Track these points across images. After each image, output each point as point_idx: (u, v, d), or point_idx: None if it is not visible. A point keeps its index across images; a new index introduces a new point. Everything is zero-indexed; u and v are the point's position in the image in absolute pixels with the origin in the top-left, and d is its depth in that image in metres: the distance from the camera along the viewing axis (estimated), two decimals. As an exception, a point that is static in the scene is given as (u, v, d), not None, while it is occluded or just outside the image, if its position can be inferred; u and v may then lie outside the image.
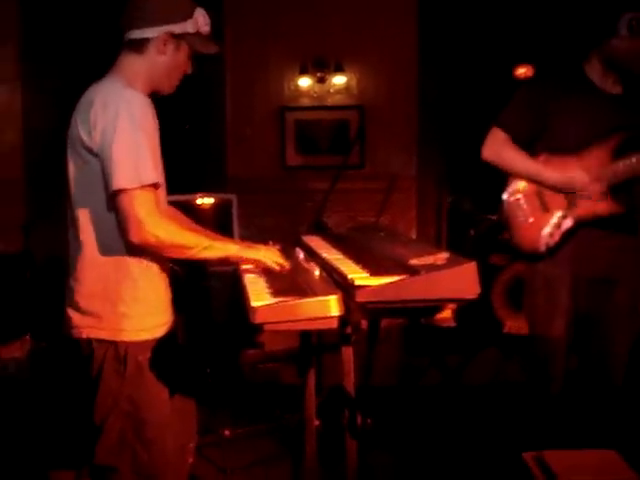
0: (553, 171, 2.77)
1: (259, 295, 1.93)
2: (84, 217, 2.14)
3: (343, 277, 1.94)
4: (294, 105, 5.15)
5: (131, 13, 2.14)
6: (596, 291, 2.82)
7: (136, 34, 2.12)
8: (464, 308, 1.89)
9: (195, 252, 2.12)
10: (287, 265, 2.24)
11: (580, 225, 2.74)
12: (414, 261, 1.94)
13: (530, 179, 2.82)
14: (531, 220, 2.80)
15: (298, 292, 1.91)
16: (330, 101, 5.15)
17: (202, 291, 4.07)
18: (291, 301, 1.81)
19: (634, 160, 2.66)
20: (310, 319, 1.80)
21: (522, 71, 6.29)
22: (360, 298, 1.77)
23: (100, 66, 2.22)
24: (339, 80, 5.12)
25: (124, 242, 2.09)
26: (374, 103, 5.10)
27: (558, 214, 2.75)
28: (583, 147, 2.74)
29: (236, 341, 3.67)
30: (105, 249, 2.13)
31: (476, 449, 3.51)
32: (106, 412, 2.19)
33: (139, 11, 2.13)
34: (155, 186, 2.04)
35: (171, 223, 2.10)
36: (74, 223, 2.17)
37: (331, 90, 5.13)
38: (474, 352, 4.45)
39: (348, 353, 2.32)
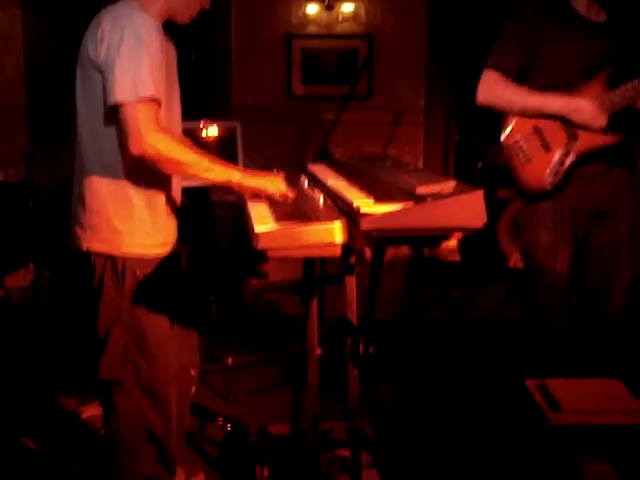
0: (556, 100, 2.72)
1: (263, 221, 1.90)
2: (87, 135, 2.21)
3: (348, 204, 1.90)
4: (301, 33, 5.03)
5: None
6: (596, 224, 2.83)
7: None
8: (469, 242, 1.86)
9: (195, 172, 2.13)
10: (291, 194, 2.21)
11: (582, 159, 2.71)
12: (421, 189, 1.90)
13: (532, 112, 2.76)
14: (534, 161, 2.76)
15: (302, 218, 1.88)
16: (338, 29, 5.02)
17: (206, 220, 4.05)
18: (295, 227, 1.78)
19: (630, 87, 2.62)
20: (313, 246, 1.78)
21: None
22: (365, 225, 1.74)
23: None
24: (347, 8, 4.98)
25: (123, 160, 2.15)
26: (383, 32, 4.97)
27: (560, 151, 2.71)
28: (575, 80, 2.70)
29: (240, 270, 3.66)
30: (105, 167, 2.19)
31: (479, 379, 3.53)
32: (109, 324, 2.25)
33: None
34: (156, 102, 2.05)
35: (172, 139, 2.10)
36: (79, 141, 2.24)
37: (339, 18, 5.00)
38: (478, 286, 4.44)
39: (351, 283, 2.31)
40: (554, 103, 2.72)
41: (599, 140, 2.70)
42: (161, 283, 2.29)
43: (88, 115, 2.18)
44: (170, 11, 2.21)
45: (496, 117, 2.91)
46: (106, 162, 2.18)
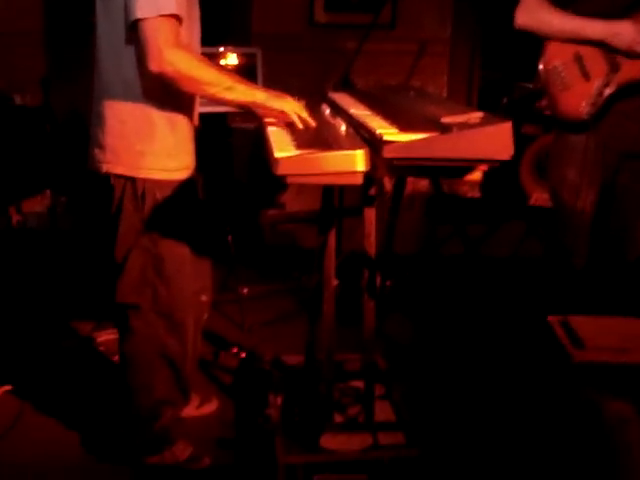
0: (597, 23, 2.63)
1: (283, 147, 1.86)
2: (107, 53, 2.15)
3: (371, 132, 1.86)
4: (325, -41, 4.90)
5: None
6: (626, 164, 2.73)
7: None
8: (490, 178, 1.81)
9: (216, 91, 2.07)
10: (312, 122, 2.15)
11: (622, 90, 2.61)
12: (446, 119, 1.86)
13: (572, 37, 2.67)
14: (572, 88, 2.67)
15: (323, 145, 1.83)
16: (363, -45, 4.88)
17: (224, 148, 3.99)
18: (316, 153, 1.75)
19: None
20: (335, 173, 1.74)
21: None
22: (388, 154, 1.70)
23: None
24: None
25: (142, 79, 2.09)
26: (410, -43, 4.83)
27: (600, 81, 2.63)
28: (625, 10, 2.57)
29: (257, 200, 3.63)
30: (126, 89, 2.13)
31: (497, 316, 3.51)
32: (127, 248, 2.24)
33: None
34: (177, 19, 1.99)
35: (193, 56, 2.05)
36: (98, 64, 2.19)
37: (365, -57, 4.85)
38: (497, 224, 4.40)
39: (370, 215, 2.28)
40: (595, 26, 2.63)
41: None
42: (180, 207, 2.27)
43: (108, 31, 2.13)
44: None
45: (525, 54, 2.84)
46: (127, 81, 2.12)
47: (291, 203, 3.57)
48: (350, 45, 4.20)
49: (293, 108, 2.14)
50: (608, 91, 2.62)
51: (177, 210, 2.26)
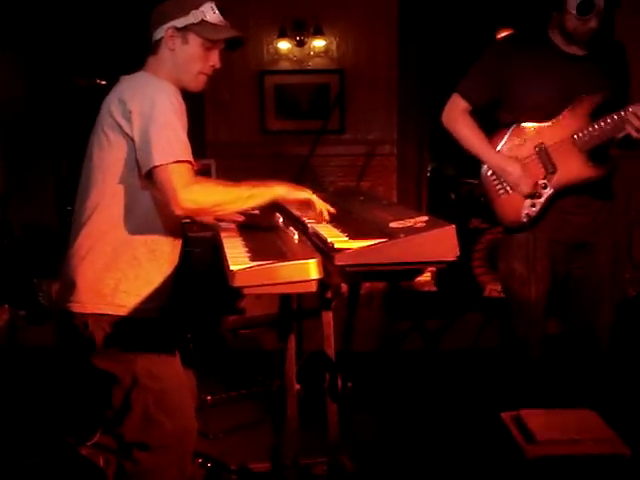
0: (494, 155, 2.77)
1: (238, 259, 1.92)
2: (94, 197, 2.17)
3: (322, 240, 1.93)
4: (273, 69, 5.09)
5: (150, 22, 2.27)
6: (575, 256, 2.82)
7: (152, 38, 2.25)
8: (445, 272, 1.89)
9: (240, 205, 2.15)
10: (333, 210, 2.23)
11: (560, 192, 2.72)
12: (393, 224, 1.93)
13: (476, 157, 2.82)
14: (511, 193, 2.77)
15: (277, 255, 1.89)
16: (310, 64, 5.09)
17: (183, 257, 4.02)
18: (270, 264, 1.79)
19: (609, 121, 2.63)
20: (289, 282, 1.79)
21: (504, 35, 6.24)
22: (339, 261, 1.76)
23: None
24: (319, 43, 5.06)
25: (162, 220, 2.18)
26: (354, 67, 5.05)
27: (538, 185, 2.71)
28: (556, 112, 2.70)
29: (217, 307, 3.65)
30: (110, 229, 2.17)
31: (456, 411, 3.54)
32: (125, 392, 2.22)
33: (152, 19, 2.26)
34: (190, 164, 2.06)
35: (207, 184, 2.11)
36: (87, 200, 2.19)
37: (311, 53, 5.07)
38: (455, 316, 4.47)
39: (328, 317, 2.33)
40: (491, 160, 2.78)
41: (578, 174, 2.69)
42: (166, 336, 2.29)
43: (104, 177, 2.16)
44: (176, 81, 2.23)
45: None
46: (115, 221, 2.17)
47: (251, 308, 3.60)
48: (301, 150, 4.33)
49: (316, 198, 2.23)
50: (546, 194, 2.71)
51: (165, 339, 2.28)
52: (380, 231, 1.90)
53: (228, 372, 4.11)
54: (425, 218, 1.97)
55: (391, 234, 1.84)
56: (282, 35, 5.05)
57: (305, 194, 2.22)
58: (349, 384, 2.45)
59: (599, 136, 2.66)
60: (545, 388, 2.77)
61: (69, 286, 2.20)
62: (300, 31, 5.04)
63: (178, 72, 2.25)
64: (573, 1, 2.58)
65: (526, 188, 2.71)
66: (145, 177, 2.08)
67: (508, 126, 2.79)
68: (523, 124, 2.75)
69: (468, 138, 2.83)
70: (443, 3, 5.43)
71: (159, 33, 2.23)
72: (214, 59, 2.29)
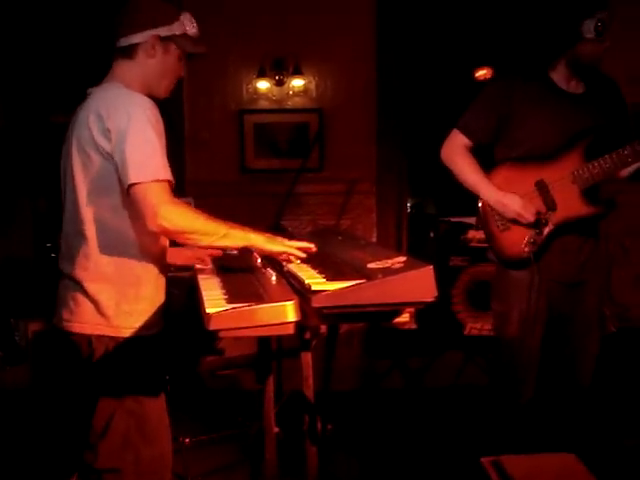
0: (492, 190, 2.77)
1: (214, 301, 1.90)
2: (89, 217, 2.15)
3: (300, 282, 1.92)
4: (252, 108, 5.11)
5: (119, 21, 2.24)
6: (569, 295, 2.82)
7: (125, 41, 2.22)
8: (425, 310, 1.87)
9: (213, 240, 2.12)
10: (313, 248, 2.22)
11: (559, 228, 2.72)
12: (371, 265, 1.93)
13: (474, 193, 2.83)
14: (512, 228, 2.76)
15: (254, 298, 1.88)
16: (289, 104, 5.12)
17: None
18: (247, 307, 1.78)
19: (608, 160, 2.67)
20: (266, 325, 1.78)
21: (482, 73, 6.34)
22: (316, 303, 1.75)
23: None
24: (298, 83, 5.09)
25: (137, 238, 2.15)
26: (333, 106, 5.08)
27: (539, 220, 2.71)
28: (553, 151, 2.72)
29: (195, 348, 3.62)
30: (109, 247, 2.16)
31: (436, 453, 3.51)
32: (110, 413, 2.18)
33: (126, 18, 2.23)
34: (168, 182, 2.06)
35: (188, 210, 2.10)
36: (78, 223, 2.17)
37: (290, 93, 5.10)
38: (435, 354, 4.46)
39: (307, 358, 2.31)
40: (491, 196, 2.78)
41: (579, 211, 2.72)
42: (156, 360, 2.28)
43: (90, 198, 2.14)
44: (148, 88, 2.23)
45: (448, 182, 2.96)
46: (112, 244, 2.16)
47: (230, 348, 3.57)
48: (281, 188, 4.33)
49: (290, 247, 2.19)
50: (547, 230, 2.70)
51: (154, 364, 2.27)
52: (358, 272, 1.90)
53: (207, 413, 4.06)
54: (403, 258, 1.97)
55: (369, 275, 1.84)
56: (261, 74, 5.08)
57: (281, 247, 2.18)
58: (329, 426, 2.43)
59: (599, 174, 2.69)
60: (529, 429, 2.74)
61: (68, 307, 2.20)
62: (279, 70, 5.07)
63: (152, 79, 2.25)
64: (590, 26, 2.61)
65: (530, 216, 2.70)
66: (126, 194, 2.06)
67: (507, 162, 2.80)
68: (523, 161, 2.77)
69: (466, 174, 2.84)
70: (421, 42, 5.51)
71: (137, 38, 2.21)
72: (182, 70, 2.33)
